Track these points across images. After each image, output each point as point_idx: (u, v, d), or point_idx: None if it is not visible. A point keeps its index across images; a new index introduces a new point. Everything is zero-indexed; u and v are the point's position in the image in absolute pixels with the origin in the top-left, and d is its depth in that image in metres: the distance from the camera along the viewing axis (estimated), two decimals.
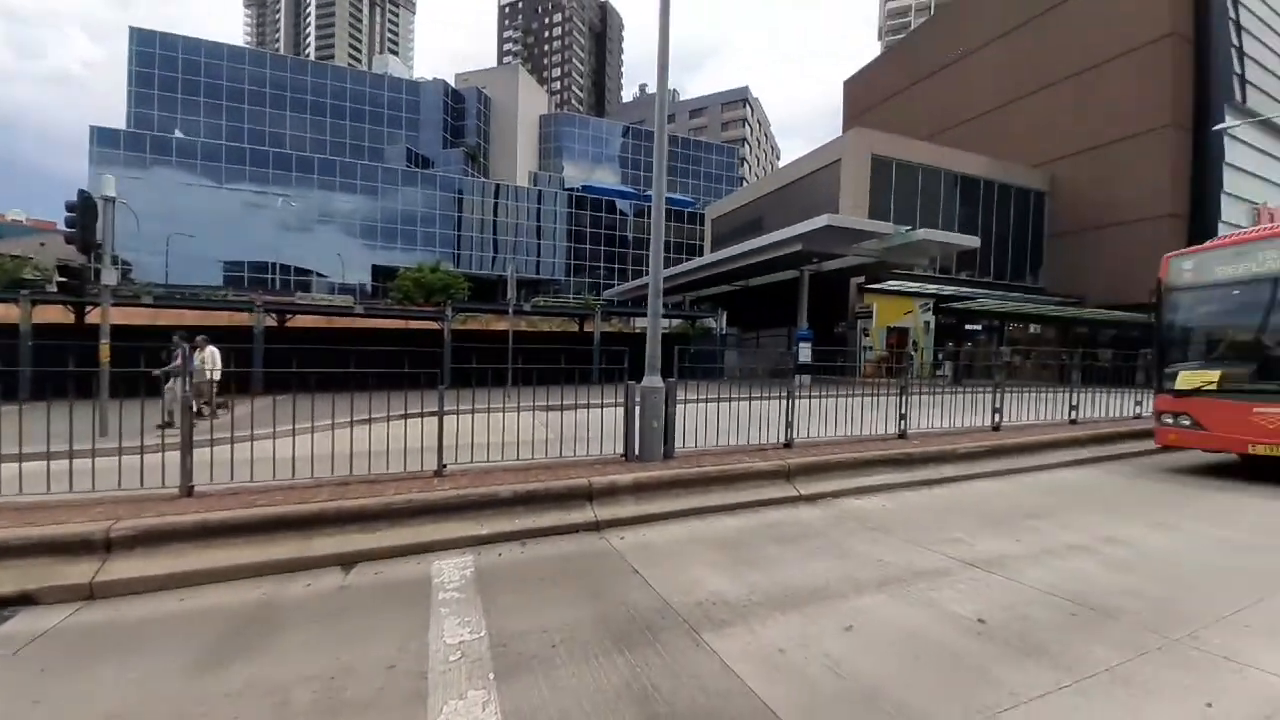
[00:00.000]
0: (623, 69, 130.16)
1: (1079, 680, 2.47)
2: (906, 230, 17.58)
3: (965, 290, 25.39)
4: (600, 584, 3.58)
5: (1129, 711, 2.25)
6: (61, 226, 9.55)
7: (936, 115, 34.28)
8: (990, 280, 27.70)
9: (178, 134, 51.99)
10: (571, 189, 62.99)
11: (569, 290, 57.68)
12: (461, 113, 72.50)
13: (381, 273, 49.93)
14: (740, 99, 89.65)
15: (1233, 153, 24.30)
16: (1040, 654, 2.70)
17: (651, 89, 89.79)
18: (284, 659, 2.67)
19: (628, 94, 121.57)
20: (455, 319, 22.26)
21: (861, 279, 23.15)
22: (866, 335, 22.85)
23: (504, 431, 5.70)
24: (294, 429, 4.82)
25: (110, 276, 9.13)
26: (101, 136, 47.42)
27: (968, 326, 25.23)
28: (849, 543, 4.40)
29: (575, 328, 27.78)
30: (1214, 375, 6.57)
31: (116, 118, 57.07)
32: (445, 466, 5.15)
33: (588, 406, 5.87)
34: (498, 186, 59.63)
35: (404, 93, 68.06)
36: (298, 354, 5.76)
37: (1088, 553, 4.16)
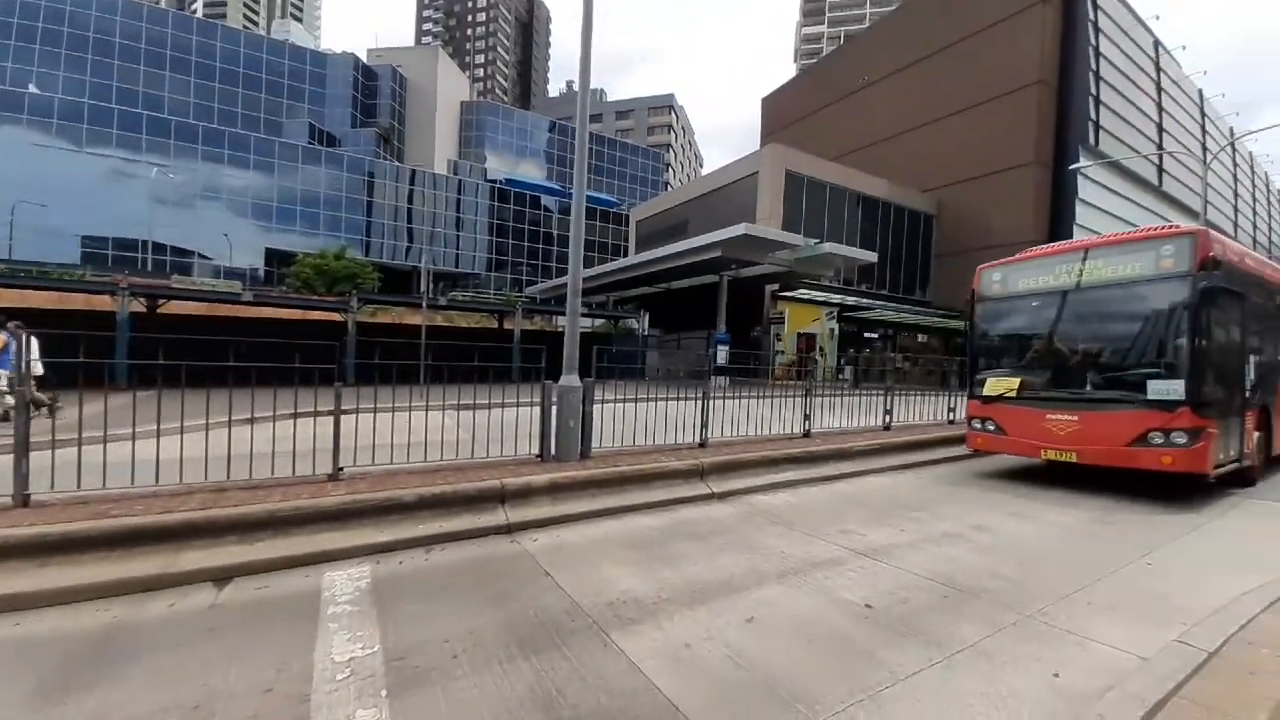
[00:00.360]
0: (550, 63, 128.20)
1: (948, 656, 2.73)
2: (815, 243, 18.76)
3: (865, 301, 27.56)
4: (509, 588, 3.48)
5: (989, 682, 2.52)
6: None
7: (843, 137, 36.96)
8: (886, 293, 30.22)
9: (32, 89, 44.48)
10: (494, 181, 60.89)
11: (490, 286, 55.74)
12: (374, 91, 67.88)
13: (277, 257, 45.46)
14: (666, 105, 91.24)
15: (1085, 190, 28.16)
16: (917, 634, 2.96)
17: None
18: (138, 688, 2.35)
19: (554, 89, 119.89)
20: (362, 311, 20.80)
21: (776, 286, 24.39)
22: (780, 340, 24.09)
23: (412, 432, 5.39)
24: (159, 429, 4.27)
25: None
26: None
27: (866, 334, 27.40)
28: (756, 537, 4.59)
29: (495, 324, 26.96)
30: (1015, 382, 6.80)
31: None
32: (342, 470, 4.78)
33: (502, 406, 5.69)
34: (414, 172, 56.28)
35: (308, 63, 62.53)
36: (172, 344, 5.10)
37: (960, 539, 4.63)
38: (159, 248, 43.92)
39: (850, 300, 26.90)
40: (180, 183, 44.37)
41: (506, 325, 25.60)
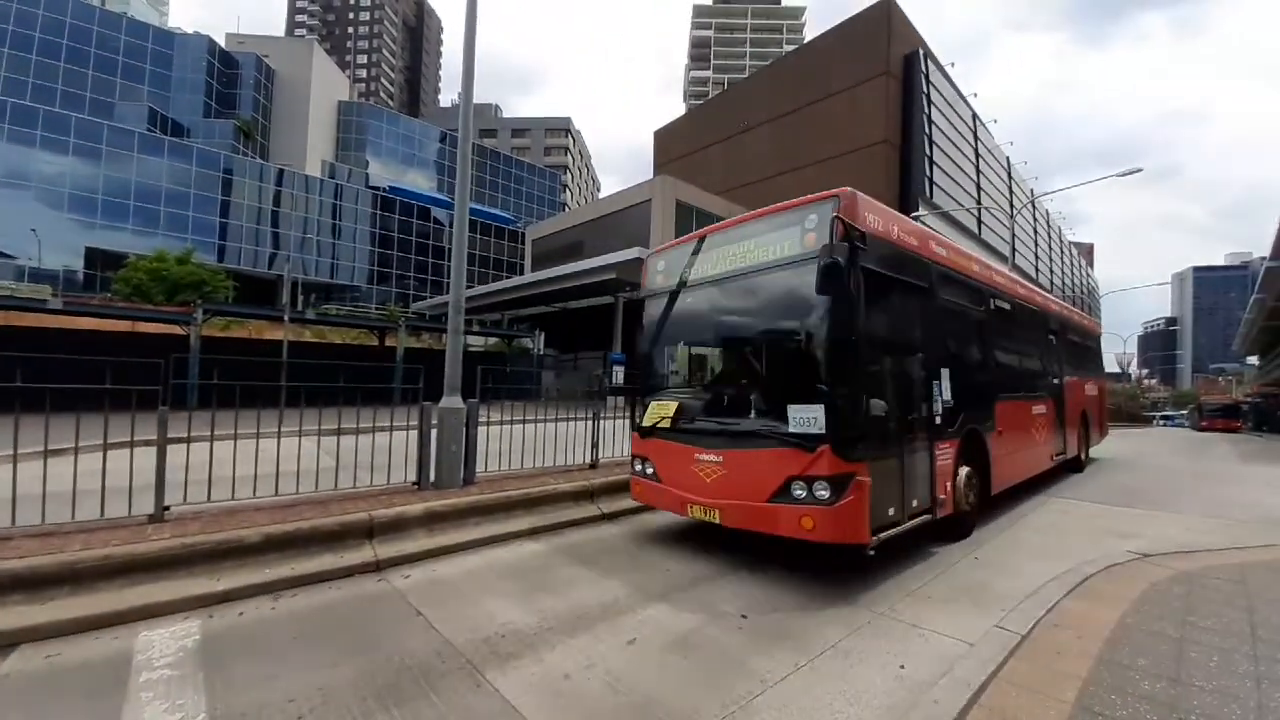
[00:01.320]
0: (441, 73, 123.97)
1: (812, 659, 2.93)
2: None
3: None
4: (372, 634, 3.16)
5: (845, 679, 2.73)
6: None
7: (728, 174, 39.97)
8: None
9: None
10: (377, 189, 56.98)
11: (372, 299, 51.59)
12: (234, 80, 60.90)
13: (103, 259, 38.52)
14: (564, 128, 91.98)
15: None
16: (786, 639, 3.15)
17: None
18: None
19: (446, 99, 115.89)
20: (209, 323, 18.25)
21: None
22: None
23: (259, 463, 4.74)
24: None
25: None
26: None
27: None
28: (643, 555, 4.63)
29: (375, 341, 24.98)
30: (671, 407, 4.86)
31: None
32: (168, 509, 4.09)
33: (374, 431, 5.26)
34: (281, 171, 50.80)
35: (150, 41, 54.62)
36: None
37: None
38: None
39: None
40: None
41: (389, 343, 23.83)
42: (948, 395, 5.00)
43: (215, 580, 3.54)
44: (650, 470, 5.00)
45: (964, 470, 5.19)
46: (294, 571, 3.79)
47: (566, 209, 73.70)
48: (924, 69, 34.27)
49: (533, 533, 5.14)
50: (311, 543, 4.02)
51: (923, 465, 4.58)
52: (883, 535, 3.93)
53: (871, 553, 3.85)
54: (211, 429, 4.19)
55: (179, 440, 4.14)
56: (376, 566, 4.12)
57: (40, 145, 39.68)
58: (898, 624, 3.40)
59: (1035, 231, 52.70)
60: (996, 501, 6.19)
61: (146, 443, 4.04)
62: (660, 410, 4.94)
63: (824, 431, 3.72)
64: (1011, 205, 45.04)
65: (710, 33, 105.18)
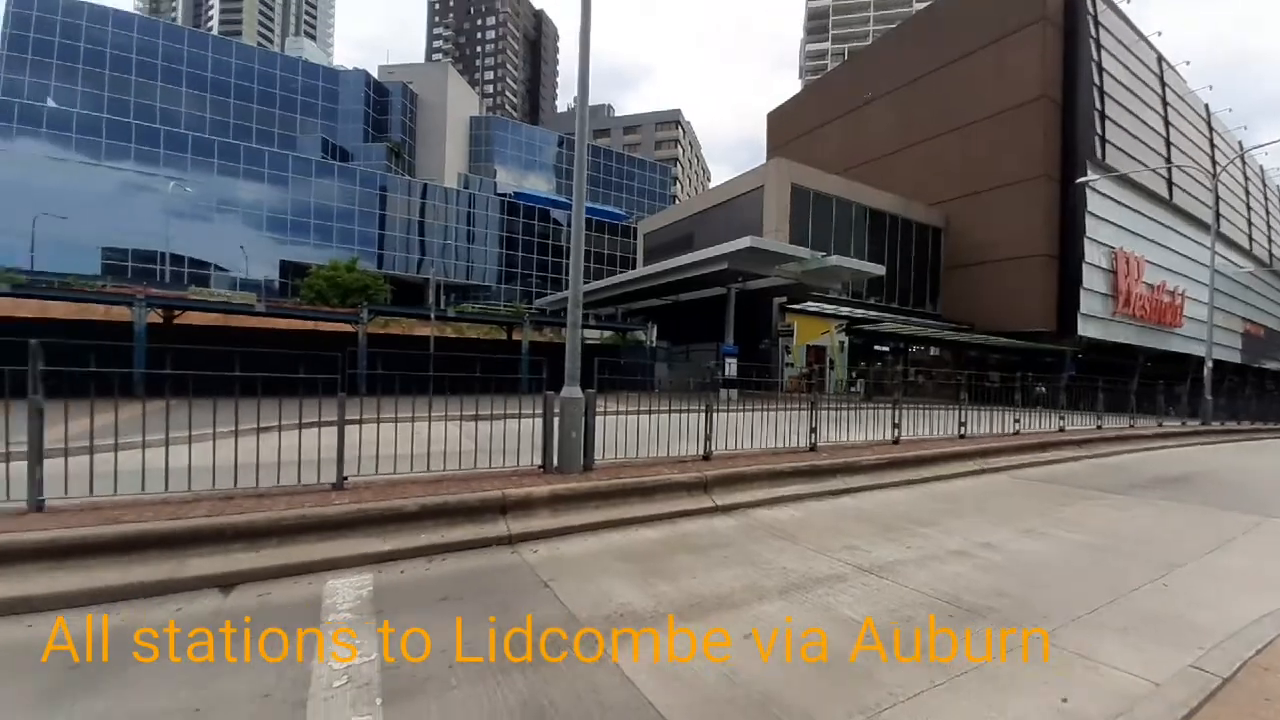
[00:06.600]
0: (558, 80, 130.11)
1: (951, 678, 2.69)
2: (821, 256, 18.76)
3: (874, 314, 27.46)
4: (508, 600, 3.48)
5: (992, 707, 2.48)
6: None
7: (848, 152, 37.12)
8: (896, 306, 30.11)
9: (50, 103, 45.84)
10: (504, 195, 61.71)
11: (501, 297, 56.20)
12: (385, 107, 69.26)
13: (291, 269, 46.22)
14: (674, 120, 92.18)
15: (1094, 203, 27.99)
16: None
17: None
18: (142, 691, 2.38)
19: (562, 104, 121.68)
20: (372, 322, 21.02)
21: (784, 299, 24.39)
22: (789, 352, 24.03)
23: (417, 442, 5.42)
24: (167, 438, 4.35)
25: None
26: None
27: (876, 347, 27.25)
28: (757, 551, 4.56)
29: (503, 336, 27.11)
30: None
31: None
32: (346, 479, 4.82)
33: (504, 417, 5.73)
34: (425, 186, 57.20)
35: (321, 80, 64.04)
36: (187, 355, 5.20)
37: (966, 557, 4.57)
38: (177, 259, 44.88)
39: (859, 313, 26.83)
40: (196, 195, 45.40)
41: (515, 337, 25.73)
42: None
43: (382, 541, 4.12)
44: None
45: None
46: (443, 539, 4.29)
47: (677, 201, 73.97)
48: (1091, 9, 29.19)
49: (647, 520, 5.28)
50: (456, 514, 4.51)
51: None
52: None
53: None
54: (378, 413, 4.86)
55: (353, 421, 4.85)
56: (509, 540, 4.52)
57: (243, 176, 48.43)
58: (1060, 651, 3.00)
59: (1248, 192, 42.86)
60: None
61: (329, 423, 4.79)
62: None
63: None
64: (1214, 162, 36.99)
65: (828, 1, 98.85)
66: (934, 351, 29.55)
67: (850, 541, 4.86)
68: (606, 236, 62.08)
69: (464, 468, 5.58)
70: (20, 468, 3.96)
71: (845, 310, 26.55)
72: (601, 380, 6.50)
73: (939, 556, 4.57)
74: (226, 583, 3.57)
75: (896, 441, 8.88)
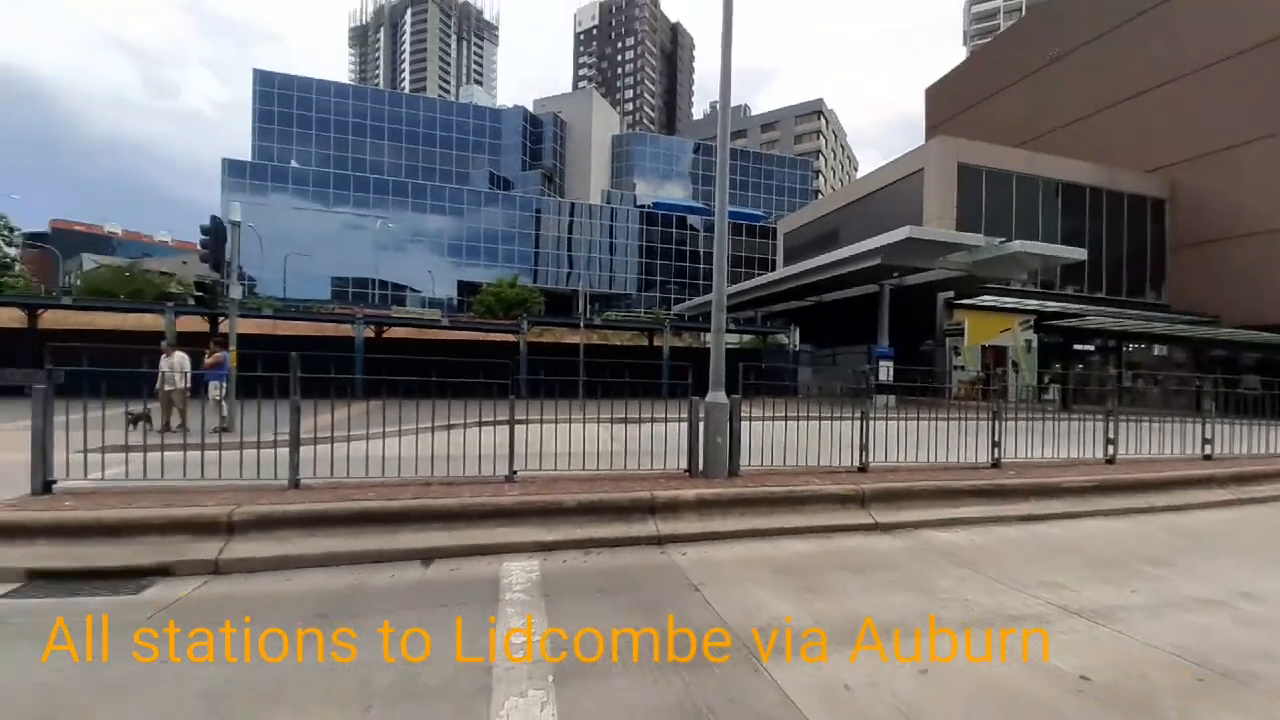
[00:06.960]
0: (694, 86, 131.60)
1: None
2: (1000, 242, 16.38)
3: (1073, 307, 23.16)
4: (659, 598, 3.57)
5: None
6: (198, 248, 10.95)
7: (1027, 121, 31.81)
8: (1103, 296, 25.13)
9: (293, 163, 58.36)
10: (642, 206, 64.25)
11: (640, 305, 58.54)
12: (539, 136, 76.25)
13: (466, 288, 53.29)
14: (814, 111, 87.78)
15: None
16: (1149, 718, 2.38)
17: None
18: (365, 641, 2.88)
19: (698, 110, 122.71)
20: (530, 331, 23.17)
21: (950, 294, 21.76)
22: (958, 354, 21.35)
23: (570, 441, 5.85)
24: (384, 432, 5.23)
25: (236, 291, 10.36)
26: (232, 168, 53.91)
27: (1077, 346, 22.95)
28: (930, 578, 4.10)
29: (645, 342, 28.10)
30: None
31: (243, 149, 64.99)
32: (515, 473, 5.36)
33: (652, 420, 5.92)
34: (573, 205, 62.08)
35: (487, 120, 72.69)
36: (392, 363, 6.28)
37: (1219, 607, 3.63)
38: (382, 283, 54.45)
39: (1052, 306, 22.79)
40: (396, 230, 54.64)
41: (656, 342, 26.50)
42: None
43: (546, 531, 4.50)
44: None
45: None
46: (597, 534, 4.55)
47: (819, 195, 70.23)
48: None
49: (796, 531, 5.05)
50: (608, 512, 4.76)
51: None
52: None
53: None
54: (540, 413, 5.34)
55: (520, 421, 5.39)
56: (658, 541, 4.64)
57: (429, 211, 56.84)
58: None
59: None
60: None
61: (501, 422, 5.39)
62: None
63: None
64: None
65: None
66: (1158, 350, 23.92)
67: (1050, 577, 4.14)
68: (744, 239, 61.16)
69: (614, 468, 5.86)
70: (282, 454, 5.06)
71: (1032, 303, 22.77)
72: (746, 385, 6.39)
73: (1178, 604, 3.69)
74: (427, 556, 4.18)
75: (1111, 461, 7.38)
